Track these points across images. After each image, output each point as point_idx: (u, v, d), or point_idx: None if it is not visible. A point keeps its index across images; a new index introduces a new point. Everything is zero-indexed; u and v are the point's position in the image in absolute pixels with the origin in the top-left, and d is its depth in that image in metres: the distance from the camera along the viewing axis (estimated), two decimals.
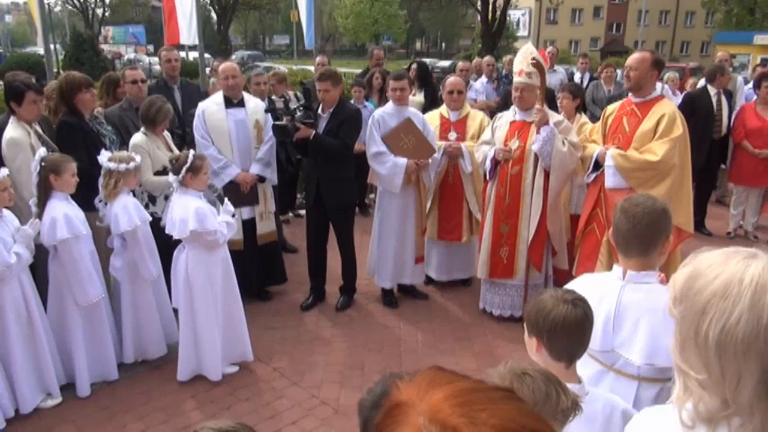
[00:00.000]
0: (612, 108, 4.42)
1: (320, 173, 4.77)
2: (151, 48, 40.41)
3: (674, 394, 1.14)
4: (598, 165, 4.24)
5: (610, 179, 4.09)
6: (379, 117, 4.85)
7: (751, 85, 7.79)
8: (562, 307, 1.71)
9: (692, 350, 1.07)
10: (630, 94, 4.25)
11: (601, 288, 2.13)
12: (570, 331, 1.70)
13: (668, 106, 4.15)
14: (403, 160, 4.73)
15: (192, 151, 3.77)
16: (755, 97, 6.86)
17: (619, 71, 8.58)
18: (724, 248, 1.12)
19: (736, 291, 1.02)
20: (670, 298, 1.15)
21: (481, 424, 0.61)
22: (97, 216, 3.92)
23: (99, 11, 47.03)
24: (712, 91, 6.92)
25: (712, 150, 6.81)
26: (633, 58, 4.13)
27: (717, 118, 6.86)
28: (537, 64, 4.35)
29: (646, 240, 2.04)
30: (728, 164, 7.11)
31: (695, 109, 6.65)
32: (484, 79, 8.98)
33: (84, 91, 4.25)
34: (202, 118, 4.78)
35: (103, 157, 3.79)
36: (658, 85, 4.63)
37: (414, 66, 7.37)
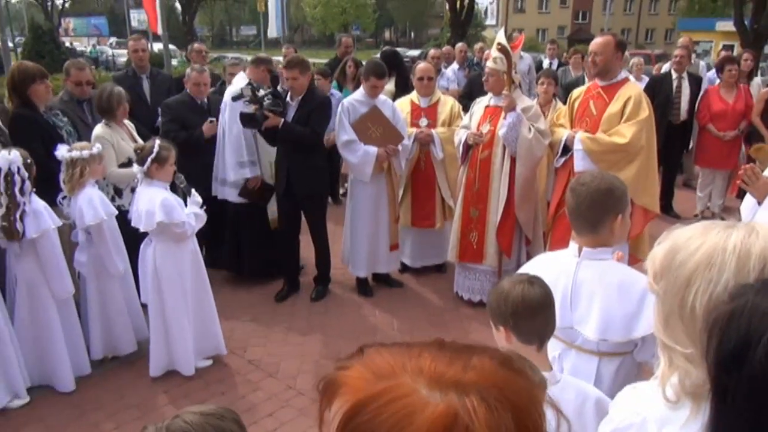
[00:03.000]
0: (578, 92, 4.44)
1: (290, 162, 4.71)
2: (113, 40, 39.41)
3: (658, 371, 1.12)
4: (567, 149, 4.26)
5: (580, 163, 4.12)
6: (349, 104, 4.79)
7: (713, 71, 7.92)
8: (519, 287, 1.70)
9: (678, 324, 1.06)
10: (586, 77, 4.27)
11: (558, 265, 2.15)
12: (533, 310, 1.69)
13: (634, 88, 4.19)
14: (373, 149, 4.68)
15: (157, 141, 3.66)
16: (718, 81, 6.99)
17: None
18: (699, 222, 1.11)
19: (720, 259, 1.01)
20: (649, 275, 1.14)
21: (482, 369, 0.60)
22: (57, 211, 3.78)
23: (59, 2, 45.72)
24: (674, 75, 7.02)
25: (673, 134, 6.91)
26: (596, 43, 4.13)
27: (676, 102, 6.97)
28: (503, 49, 4.35)
29: (591, 219, 2.07)
30: (693, 148, 7.24)
31: (656, 93, 6.74)
32: (455, 66, 8.97)
33: (38, 82, 4.10)
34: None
35: (62, 150, 3.67)
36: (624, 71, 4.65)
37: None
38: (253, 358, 4.10)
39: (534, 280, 1.73)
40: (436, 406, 0.57)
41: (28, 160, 3.40)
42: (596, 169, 4.02)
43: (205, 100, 5.11)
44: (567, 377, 1.81)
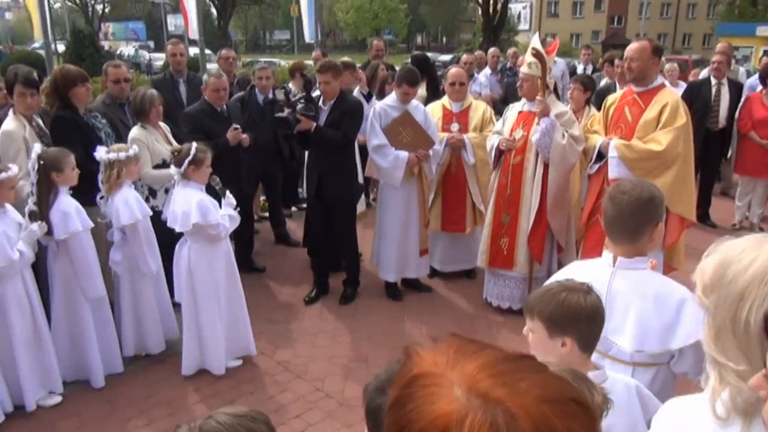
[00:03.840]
0: (613, 98, 4.37)
1: (321, 165, 4.74)
2: (135, 44, 40.29)
3: (708, 386, 1.09)
4: (600, 156, 4.20)
5: (614, 170, 4.05)
6: (381, 109, 4.82)
7: (756, 77, 7.72)
8: (588, 298, 1.69)
9: (729, 340, 1.03)
10: (618, 84, 4.19)
11: (592, 275, 2.11)
12: (602, 318, 1.71)
13: (670, 94, 4.11)
14: (404, 154, 4.69)
15: (195, 144, 3.73)
16: (760, 88, 6.81)
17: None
18: (751, 234, 1.08)
19: None
20: (698, 288, 1.10)
21: (524, 395, 0.59)
22: (95, 211, 3.88)
23: (99, 7, 46.97)
24: (713, 81, 6.87)
25: (711, 141, 6.76)
26: (632, 49, 4.06)
27: (714, 109, 6.81)
28: (537, 55, 4.32)
29: (632, 228, 2.04)
30: (733, 155, 7.06)
31: (694, 99, 6.59)
32: (488, 71, 8.93)
33: (79, 86, 4.19)
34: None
35: (101, 151, 3.77)
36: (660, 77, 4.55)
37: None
38: (281, 360, 4.14)
39: (590, 288, 1.72)
40: (449, 403, 0.59)
41: (41, 162, 3.48)
42: (631, 176, 3.96)
43: (225, 107, 5.02)
44: (610, 373, 1.79)
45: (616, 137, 4.12)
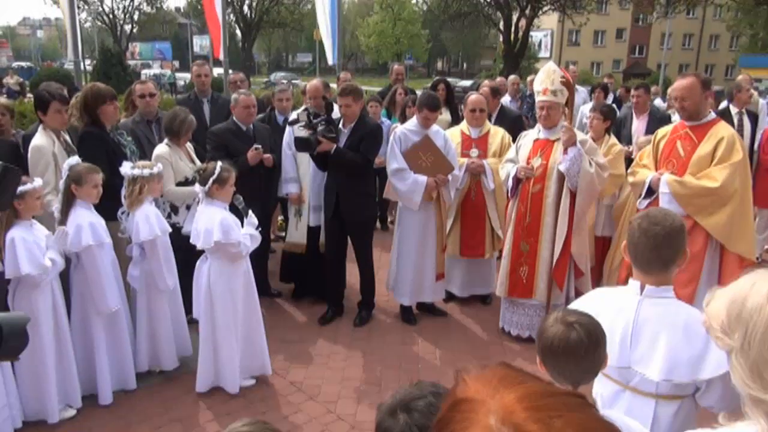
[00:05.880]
0: (664, 131, 4.26)
1: (340, 187, 4.78)
2: (138, 62, 41.23)
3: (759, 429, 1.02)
4: (651, 191, 4.09)
5: (666, 206, 3.90)
6: (401, 133, 4.85)
7: None
8: (556, 329, 1.68)
9: None
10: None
11: (618, 303, 2.10)
12: (559, 354, 1.67)
13: (726, 129, 3.96)
14: (423, 178, 4.71)
15: (219, 163, 3.79)
16: None
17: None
18: (751, 272, 1.07)
19: None
20: (716, 332, 1.07)
21: (551, 429, 0.59)
22: (116, 226, 3.93)
23: (127, 27, 48.08)
24: (733, 110, 6.83)
25: None
26: (681, 88, 3.93)
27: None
28: (566, 83, 4.33)
29: (668, 258, 2.03)
30: (752, 187, 6.96)
31: None
32: (508, 98, 8.96)
33: (108, 103, 4.28)
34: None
35: (126, 166, 3.84)
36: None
37: (442, 86, 7.26)
38: (294, 380, 4.13)
39: (576, 326, 1.69)
40: (481, 430, 0.61)
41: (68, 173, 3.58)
42: (683, 212, 3.79)
43: (251, 126, 5.09)
44: (610, 412, 1.77)
45: (668, 172, 4.02)
